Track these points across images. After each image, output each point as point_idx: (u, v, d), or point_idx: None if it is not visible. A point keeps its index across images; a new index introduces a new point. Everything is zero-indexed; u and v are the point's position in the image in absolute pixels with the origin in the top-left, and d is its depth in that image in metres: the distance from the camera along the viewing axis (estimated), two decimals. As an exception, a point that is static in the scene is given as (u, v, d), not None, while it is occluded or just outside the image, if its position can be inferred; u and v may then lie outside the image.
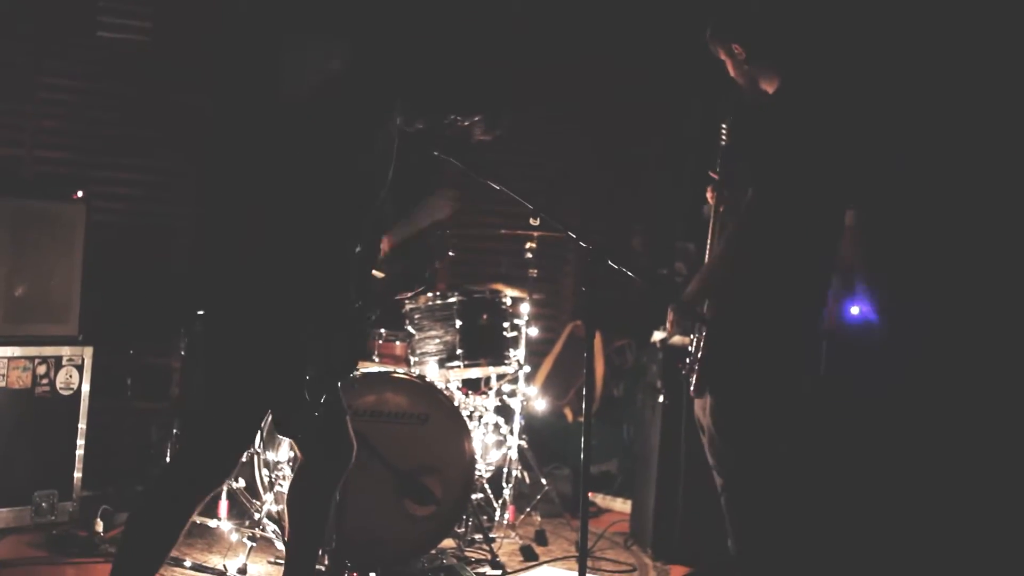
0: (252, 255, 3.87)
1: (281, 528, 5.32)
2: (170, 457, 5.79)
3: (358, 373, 5.43)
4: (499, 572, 5.36)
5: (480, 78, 4.59)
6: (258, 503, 5.48)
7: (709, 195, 5.00)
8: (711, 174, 4.97)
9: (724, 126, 4.93)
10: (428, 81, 4.27)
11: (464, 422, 5.55)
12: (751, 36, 4.80)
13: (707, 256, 4.95)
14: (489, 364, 5.94)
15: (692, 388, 4.85)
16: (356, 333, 4.09)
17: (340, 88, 3.91)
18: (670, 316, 5.21)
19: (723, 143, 4.94)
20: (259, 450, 5.45)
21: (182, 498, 3.83)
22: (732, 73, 4.90)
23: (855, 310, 6.11)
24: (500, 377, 6.18)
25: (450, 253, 6.38)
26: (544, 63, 7.77)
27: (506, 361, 5.97)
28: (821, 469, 5.76)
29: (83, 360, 5.89)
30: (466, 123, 4.36)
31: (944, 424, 5.88)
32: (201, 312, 4.16)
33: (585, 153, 8.22)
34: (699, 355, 4.80)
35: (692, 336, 4.94)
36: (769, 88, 4.82)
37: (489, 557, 5.61)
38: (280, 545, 5.35)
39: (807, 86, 4.80)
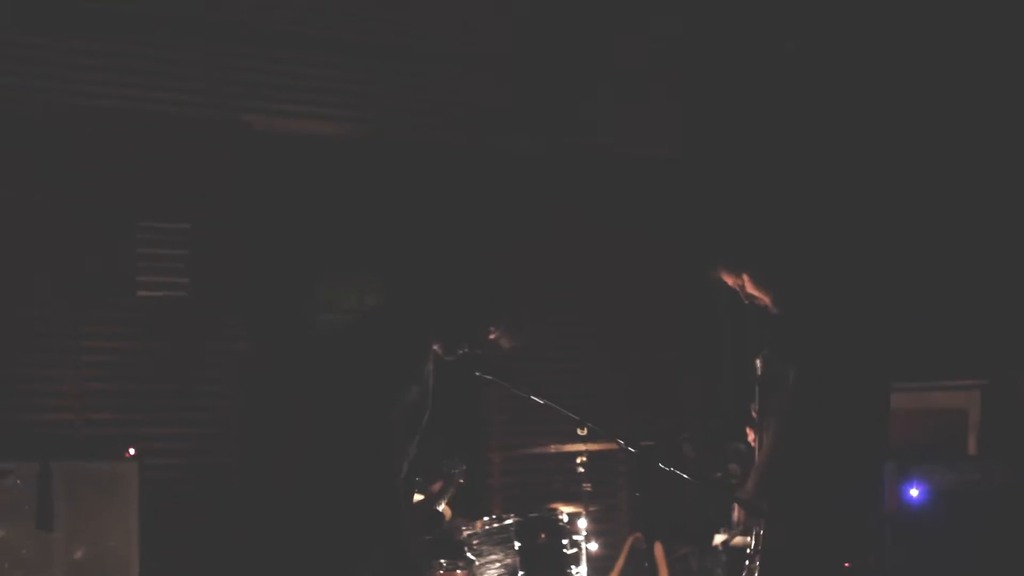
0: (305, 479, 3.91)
1: None
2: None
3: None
4: None
5: (498, 285, 4.54)
6: None
7: (751, 437, 5.01)
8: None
9: (758, 362, 4.90)
10: (465, 306, 4.30)
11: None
12: (761, 261, 4.81)
13: (756, 453, 4.94)
14: (552, 583, 5.88)
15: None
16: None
17: (376, 323, 3.99)
18: (737, 513, 5.16)
19: (758, 375, 4.92)
20: None
21: None
22: (749, 293, 4.89)
23: (915, 492, 6.02)
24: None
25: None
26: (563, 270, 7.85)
27: (569, 579, 5.90)
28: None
29: (144, 622, 5.85)
30: (498, 335, 4.36)
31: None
32: None
33: (618, 364, 8.22)
34: (759, 550, 4.74)
35: (752, 533, 4.89)
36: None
37: None
38: None
39: (830, 275, 4.84)
